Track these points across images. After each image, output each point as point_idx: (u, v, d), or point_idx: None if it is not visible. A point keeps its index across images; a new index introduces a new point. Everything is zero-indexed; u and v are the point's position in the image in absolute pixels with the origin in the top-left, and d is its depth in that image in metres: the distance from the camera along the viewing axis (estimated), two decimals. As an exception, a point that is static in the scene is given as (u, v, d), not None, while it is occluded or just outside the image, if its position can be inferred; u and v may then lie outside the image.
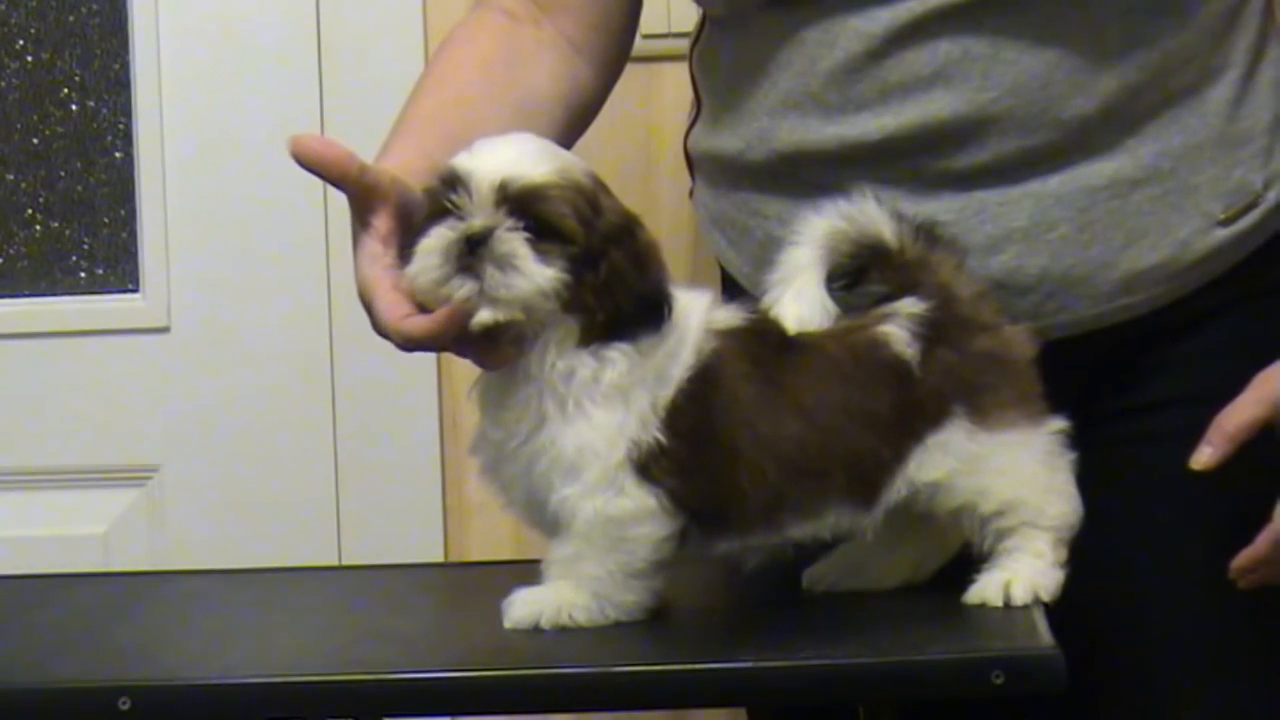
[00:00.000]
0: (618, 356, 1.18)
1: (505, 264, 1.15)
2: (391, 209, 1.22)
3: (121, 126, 2.07)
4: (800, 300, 1.23)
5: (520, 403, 1.19)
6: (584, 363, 1.18)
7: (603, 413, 1.17)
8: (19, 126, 2.08)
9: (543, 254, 1.16)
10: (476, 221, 1.16)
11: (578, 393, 1.17)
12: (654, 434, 1.17)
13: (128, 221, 2.08)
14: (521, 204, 1.17)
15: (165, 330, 2.07)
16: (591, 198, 1.19)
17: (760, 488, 1.19)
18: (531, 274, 1.16)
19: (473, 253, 1.16)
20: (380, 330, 1.23)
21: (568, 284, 1.17)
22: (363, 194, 1.22)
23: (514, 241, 1.16)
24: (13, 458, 2.09)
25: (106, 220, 2.09)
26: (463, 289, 1.16)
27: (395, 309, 1.19)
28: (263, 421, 2.06)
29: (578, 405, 1.17)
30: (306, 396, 2.05)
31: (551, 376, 1.18)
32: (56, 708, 1.12)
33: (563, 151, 1.22)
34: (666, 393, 1.18)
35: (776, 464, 1.18)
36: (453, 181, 1.18)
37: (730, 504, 1.19)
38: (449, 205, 1.17)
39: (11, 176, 2.09)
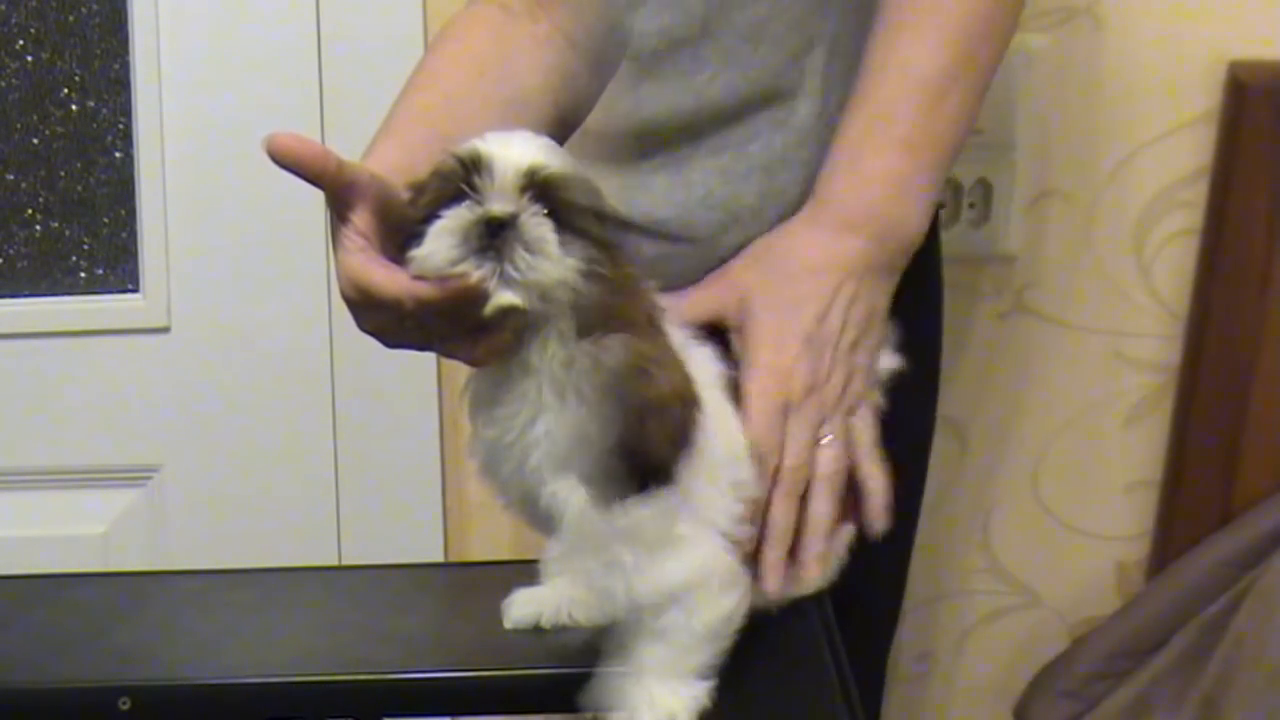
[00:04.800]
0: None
1: (536, 248, 1.16)
2: (370, 205, 1.22)
3: (121, 126, 2.07)
4: None
5: (517, 398, 1.19)
6: (584, 351, 1.18)
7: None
8: (19, 126, 2.08)
9: (564, 244, 1.17)
10: (500, 205, 1.16)
11: (577, 380, 1.18)
12: None
13: (128, 221, 2.08)
14: (546, 192, 1.17)
15: (165, 330, 2.07)
16: (600, 195, 1.20)
17: None
18: (559, 260, 1.16)
19: (494, 236, 1.16)
20: (367, 325, 1.23)
21: (584, 274, 1.17)
22: (341, 191, 1.21)
23: (545, 227, 1.16)
24: (13, 458, 2.09)
25: (106, 220, 2.09)
26: (480, 270, 1.16)
27: (399, 276, 1.19)
28: (263, 421, 2.06)
29: (577, 392, 1.18)
30: (306, 397, 2.05)
31: (553, 365, 1.18)
32: (56, 708, 1.12)
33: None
34: None
35: None
36: (474, 164, 1.18)
37: None
38: (465, 188, 1.17)
39: (11, 176, 2.09)
